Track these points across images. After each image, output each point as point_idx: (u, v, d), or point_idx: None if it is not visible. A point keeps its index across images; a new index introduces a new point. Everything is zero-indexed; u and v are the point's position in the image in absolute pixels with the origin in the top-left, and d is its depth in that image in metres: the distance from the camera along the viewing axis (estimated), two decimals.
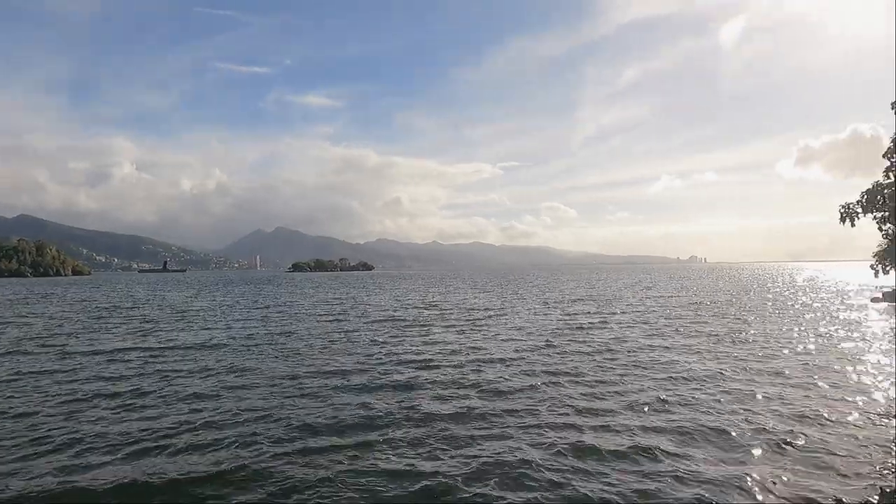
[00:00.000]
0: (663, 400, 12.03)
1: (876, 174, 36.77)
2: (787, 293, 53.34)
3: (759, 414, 10.97)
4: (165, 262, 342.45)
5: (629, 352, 18.57)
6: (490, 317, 31.27)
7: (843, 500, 7.15)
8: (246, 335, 23.66)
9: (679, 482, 7.69)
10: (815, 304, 38.70)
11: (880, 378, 14.25)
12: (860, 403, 11.78)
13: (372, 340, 21.92)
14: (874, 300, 40.14)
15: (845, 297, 46.78)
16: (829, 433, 9.78)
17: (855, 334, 22.59)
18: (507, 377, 14.55)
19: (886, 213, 36.80)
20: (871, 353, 18.09)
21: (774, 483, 7.65)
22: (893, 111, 33.98)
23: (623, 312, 33.21)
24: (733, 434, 9.70)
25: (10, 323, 30.06)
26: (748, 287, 66.29)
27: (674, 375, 14.64)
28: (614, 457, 8.64)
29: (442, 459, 8.62)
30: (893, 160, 35.43)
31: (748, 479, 7.78)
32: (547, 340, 21.20)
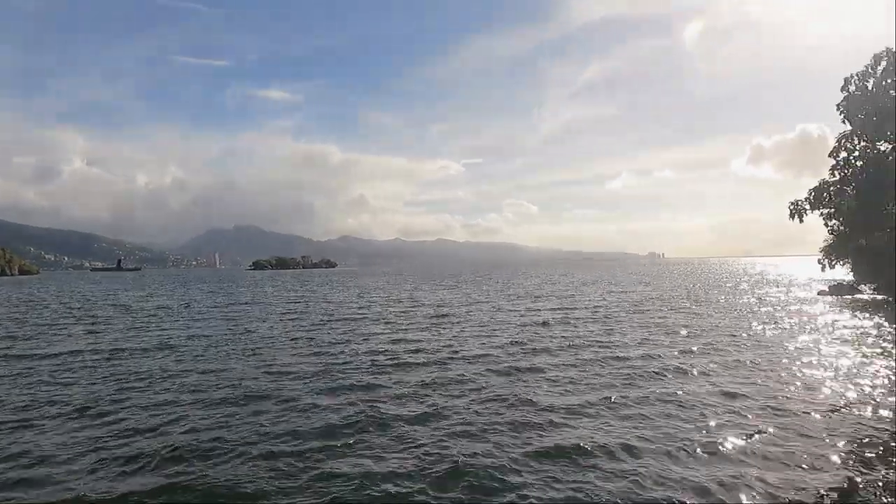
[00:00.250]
0: (625, 396, 12.20)
1: (823, 172, 38.45)
2: (743, 287, 55.22)
3: (719, 408, 11.27)
4: (119, 261, 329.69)
5: (591, 348, 18.79)
6: (455, 314, 31.27)
7: (800, 496, 7.36)
8: (204, 336, 23.00)
9: (638, 481, 7.75)
10: (768, 298, 40.13)
11: (830, 371, 14.84)
12: (816, 396, 12.25)
13: (335, 339, 21.61)
14: (821, 293, 41.92)
15: (796, 290, 48.69)
16: (785, 426, 10.11)
17: (807, 327, 23.50)
18: (472, 375, 14.51)
19: (832, 210, 38.52)
20: (821, 345, 18.83)
21: (735, 479, 7.77)
22: (839, 112, 35.58)
23: (585, 308, 33.72)
24: (694, 430, 9.89)
25: None
26: (705, 282, 68.39)
27: (635, 371, 14.85)
28: (580, 455, 8.67)
29: (407, 462, 8.51)
30: (838, 159, 37.09)
31: (709, 476, 7.93)
32: (511, 337, 21.30)
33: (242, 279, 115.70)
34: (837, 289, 40.52)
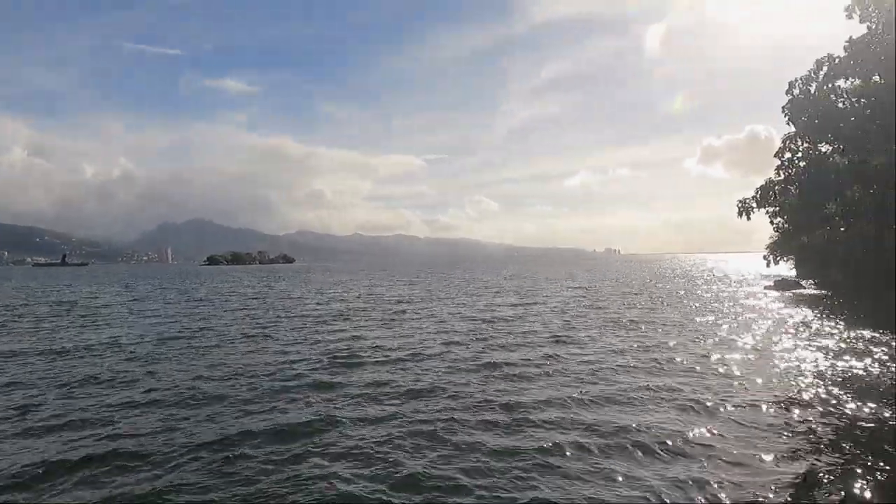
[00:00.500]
0: (585, 392, 12.32)
1: (770, 172, 40.11)
2: (695, 282, 57.09)
3: (673, 402, 11.57)
4: (64, 256, 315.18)
5: (550, 343, 19.02)
6: (415, 310, 31.18)
7: (751, 492, 7.58)
8: (155, 334, 22.15)
9: (588, 480, 7.84)
10: (719, 293, 41.56)
11: (774, 364, 15.47)
12: (761, 389, 12.74)
13: (292, 337, 21.20)
14: (767, 288, 43.73)
15: (744, 285, 50.61)
16: (735, 422, 10.46)
17: (755, 320, 24.44)
18: (432, 374, 14.40)
19: (777, 208, 40.26)
20: (768, 338, 19.61)
21: (683, 479, 7.89)
22: (784, 114, 37.10)
23: (544, 304, 34.16)
24: (648, 428, 10.06)
25: None
26: (660, 277, 70.41)
27: (594, 368, 15.05)
28: (539, 455, 8.70)
29: (366, 464, 8.37)
30: (783, 159, 38.73)
31: (658, 474, 8.09)
32: (471, 334, 21.34)
33: (196, 275, 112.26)
34: (782, 284, 42.35)
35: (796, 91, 35.79)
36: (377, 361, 16.09)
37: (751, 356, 16.31)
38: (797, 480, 7.69)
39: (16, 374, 14.80)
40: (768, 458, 8.43)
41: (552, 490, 7.43)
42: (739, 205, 39.76)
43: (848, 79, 33.48)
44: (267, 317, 28.72)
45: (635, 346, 18.22)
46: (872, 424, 9.89)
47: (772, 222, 42.00)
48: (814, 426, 9.89)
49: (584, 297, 39.43)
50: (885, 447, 8.78)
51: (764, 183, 39.54)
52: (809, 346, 17.73)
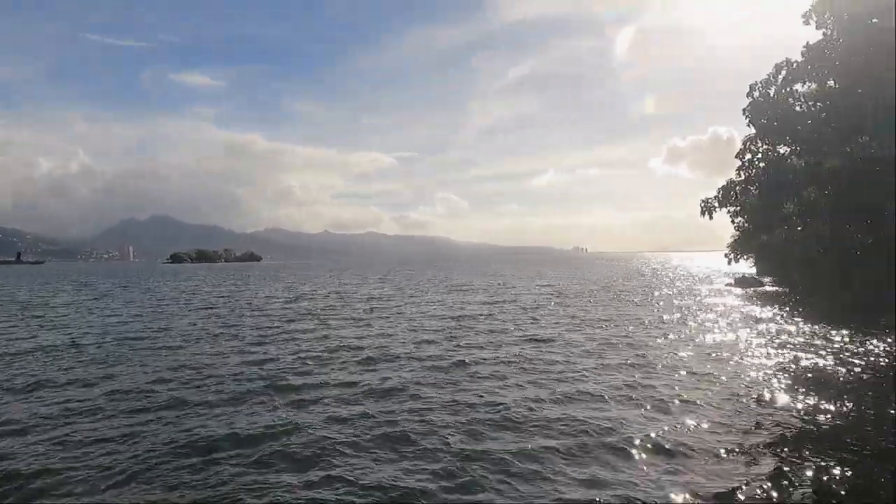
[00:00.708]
0: (556, 393, 12.39)
1: (731, 172, 41.19)
2: (662, 280, 58.32)
3: (638, 400, 11.77)
4: (19, 253, 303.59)
5: (520, 342, 19.12)
6: (385, 308, 31.02)
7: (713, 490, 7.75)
8: (115, 335, 21.42)
9: (556, 481, 7.87)
10: (684, 290, 42.52)
11: (744, 361, 15.89)
12: (723, 384, 13.07)
13: (259, 336, 20.80)
14: (728, 285, 44.97)
15: (708, 283, 51.92)
16: (695, 419, 10.71)
17: (717, 317, 25.08)
18: (402, 374, 14.27)
19: (738, 208, 41.37)
20: (729, 334, 20.15)
21: (651, 478, 7.99)
22: (744, 116, 38.12)
23: (514, 302, 34.38)
24: (615, 428, 10.17)
25: None
26: (627, 275, 71.69)
27: (562, 367, 15.20)
28: (507, 457, 8.72)
29: (332, 472, 8.26)
30: (744, 160, 39.83)
31: (625, 473, 8.19)
32: (441, 333, 21.31)
33: (159, 273, 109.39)
34: (743, 281, 43.62)
35: (756, 94, 36.79)
36: (346, 361, 15.91)
37: (713, 353, 16.69)
38: (761, 476, 7.88)
39: None
40: (733, 454, 8.61)
41: (521, 492, 7.46)
42: (702, 204, 40.72)
43: (805, 83, 34.58)
44: (232, 316, 28.16)
45: (602, 344, 18.46)
46: (832, 418, 10.27)
47: (733, 221, 43.17)
48: (775, 421, 10.18)
49: (553, 294, 39.85)
50: (846, 440, 9.10)
51: (725, 183, 40.59)
52: (770, 342, 18.28)
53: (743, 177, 39.71)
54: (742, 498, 7.20)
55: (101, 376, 14.23)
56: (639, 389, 12.40)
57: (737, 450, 8.76)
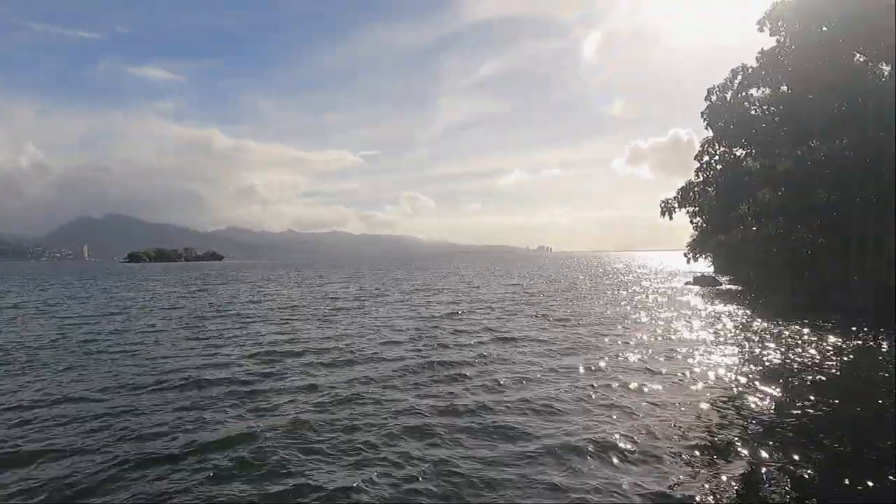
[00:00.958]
0: (523, 396, 12.44)
1: (690, 174, 42.22)
2: (625, 279, 59.43)
3: (603, 399, 11.93)
4: None
5: (487, 342, 19.14)
6: (349, 309, 30.70)
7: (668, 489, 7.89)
8: (71, 336, 20.59)
9: (520, 486, 7.89)
10: (647, 288, 43.42)
11: (704, 356, 16.28)
12: (678, 378, 13.37)
13: (220, 338, 20.31)
14: (687, 283, 46.15)
15: (668, 281, 53.17)
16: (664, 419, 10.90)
17: (678, 314, 25.69)
18: (368, 376, 14.08)
19: (696, 209, 42.45)
20: (689, 330, 20.66)
21: (614, 481, 8.07)
22: (702, 119, 39.10)
23: (479, 301, 34.49)
24: (575, 432, 10.26)
25: None
26: (590, 274, 72.86)
27: (527, 367, 15.32)
28: (471, 462, 8.71)
29: (287, 479, 8.08)
30: (702, 162, 40.86)
31: (587, 475, 8.28)
32: (407, 335, 21.11)
33: (116, 273, 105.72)
34: (701, 280, 44.86)
35: (714, 98, 37.74)
36: (308, 364, 15.57)
37: (675, 350, 17.07)
38: (723, 470, 8.09)
39: None
40: (695, 452, 8.78)
41: (481, 498, 7.46)
42: (662, 205, 41.56)
43: (759, 88, 35.64)
44: (192, 317, 27.40)
45: (567, 343, 18.66)
46: (786, 408, 10.65)
47: (692, 222, 44.24)
48: (736, 414, 10.52)
49: (519, 293, 40.16)
50: (802, 432, 9.45)
51: (684, 184, 41.54)
52: (727, 339, 18.86)
53: (701, 178, 40.69)
54: (707, 498, 7.37)
55: (53, 382, 13.63)
56: (603, 390, 12.50)
57: (697, 448, 8.95)
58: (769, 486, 7.62)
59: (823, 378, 13.30)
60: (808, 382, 12.89)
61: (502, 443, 9.17)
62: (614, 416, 10.51)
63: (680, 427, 9.85)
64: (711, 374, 13.84)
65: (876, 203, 21.97)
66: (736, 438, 9.29)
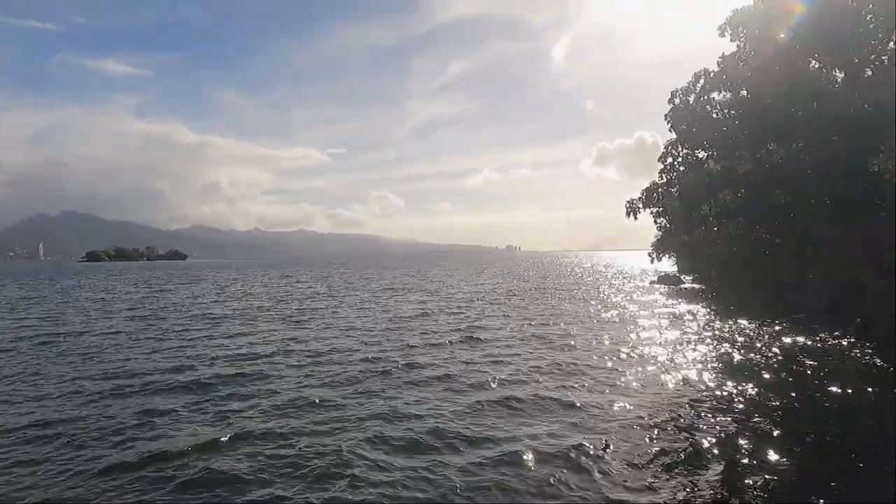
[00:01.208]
0: (490, 399, 12.33)
1: (655, 175, 43.06)
2: (592, 278, 60.27)
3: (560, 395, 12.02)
4: None
5: (456, 343, 19.09)
6: (316, 309, 30.26)
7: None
8: (25, 339, 19.71)
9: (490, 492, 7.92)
10: (614, 288, 44.08)
11: (669, 355, 16.58)
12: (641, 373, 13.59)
13: (183, 339, 19.76)
14: (652, 283, 47.08)
15: (634, 280, 54.13)
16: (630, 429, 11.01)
17: (642, 312, 26.14)
18: (333, 380, 13.87)
19: (660, 209, 43.30)
20: (654, 328, 21.03)
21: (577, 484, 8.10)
22: (666, 122, 39.91)
23: (448, 301, 34.46)
24: (542, 436, 10.30)
25: None
26: (559, 273, 73.67)
27: (495, 368, 15.34)
28: (432, 468, 8.68)
29: (241, 495, 7.93)
30: (666, 164, 41.70)
31: (551, 478, 8.29)
32: (376, 335, 20.93)
33: (73, 272, 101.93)
34: (665, 279, 45.83)
35: (677, 101, 38.51)
36: (274, 367, 15.25)
37: (641, 347, 17.42)
38: (695, 469, 8.22)
39: None
40: (669, 452, 8.88)
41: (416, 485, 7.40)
42: (627, 205, 42.22)
43: (720, 92, 36.55)
44: (155, 316, 26.62)
45: (535, 343, 18.81)
46: (749, 406, 10.92)
47: (656, 222, 45.07)
48: (699, 412, 10.74)
49: (488, 292, 40.31)
50: (770, 426, 9.71)
51: (649, 185, 42.31)
52: (693, 336, 19.30)
53: (665, 179, 41.49)
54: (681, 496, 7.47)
55: (2, 389, 13.05)
56: (570, 391, 12.58)
57: (663, 450, 9.07)
58: (745, 484, 7.77)
59: (783, 374, 13.70)
60: (773, 379, 13.28)
61: (469, 448, 9.11)
62: (582, 418, 10.55)
63: (651, 427, 9.98)
64: (678, 373, 14.11)
65: (830, 205, 22.72)
66: (708, 436, 9.48)
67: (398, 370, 14.73)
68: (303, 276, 71.85)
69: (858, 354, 15.77)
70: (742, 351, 16.61)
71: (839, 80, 27.10)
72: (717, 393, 12.16)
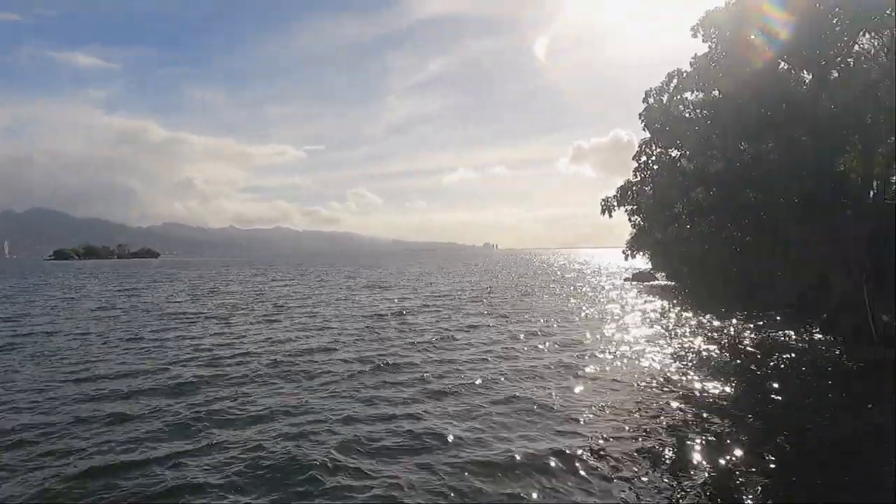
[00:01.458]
0: (466, 402, 12.48)
1: (629, 173, 43.54)
2: (569, 275, 60.76)
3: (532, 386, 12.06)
4: None
5: (434, 342, 19.12)
6: (294, 308, 29.92)
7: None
8: None
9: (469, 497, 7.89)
10: (590, 284, 44.49)
11: (643, 349, 16.77)
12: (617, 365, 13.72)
13: (154, 341, 19.37)
14: (626, 280, 47.67)
15: (609, 277, 54.76)
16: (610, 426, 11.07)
17: (617, 308, 26.43)
18: (309, 382, 13.76)
19: (635, 207, 43.82)
20: (630, 326, 21.27)
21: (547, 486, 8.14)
22: (640, 121, 40.36)
23: (428, 298, 34.43)
24: (515, 439, 10.34)
25: None
26: (536, 271, 74.18)
27: (470, 368, 15.47)
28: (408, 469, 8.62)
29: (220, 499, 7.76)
30: (640, 162, 42.20)
31: (522, 481, 8.34)
32: (353, 335, 20.81)
33: (40, 271, 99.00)
34: (639, 276, 46.43)
35: (651, 100, 38.97)
36: (249, 369, 15.03)
37: (617, 344, 17.64)
38: (665, 462, 8.35)
39: None
40: (652, 450, 9.03)
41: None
42: (603, 203, 42.60)
43: (693, 92, 37.09)
44: (127, 315, 26.05)
45: (514, 341, 18.97)
46: (720, 400, 11.10)
47: (630, 220, 45.55)
48: (674, 406, 10.93)
49: (467, 290, 40.37)
50: (746, 419, 9.91)
51: (624, 183, 42.75)
52: (668, 333, 19.65)
53: (639, 178, 41.96)
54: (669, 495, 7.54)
55: None
56: (548, 391, 12.64)
57: (642, 448, 9.19)
58: (733, 481, 7.92)
59: (754, 368, 14.01)
60: (744, 373, 13.61)
61: (445, 451, 9.08)
62: (559, 420, 10.59)
63: (631, 424, 10.11)
64: (652, 369, 14.37)
65: (798, 204, 23.22)
66: (690, 433, 9.66)
67: (376, 370, 14.68)
68: (280, 275, 71.04)
69: (824, 349, 16.20)
70: (713, 346, 16.96)
71: (807, 81, 27.68)
72: (690, 387, 12.41)
